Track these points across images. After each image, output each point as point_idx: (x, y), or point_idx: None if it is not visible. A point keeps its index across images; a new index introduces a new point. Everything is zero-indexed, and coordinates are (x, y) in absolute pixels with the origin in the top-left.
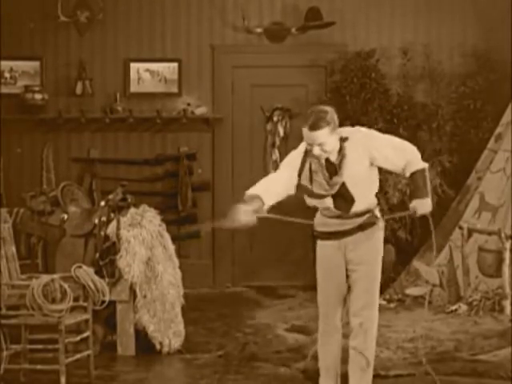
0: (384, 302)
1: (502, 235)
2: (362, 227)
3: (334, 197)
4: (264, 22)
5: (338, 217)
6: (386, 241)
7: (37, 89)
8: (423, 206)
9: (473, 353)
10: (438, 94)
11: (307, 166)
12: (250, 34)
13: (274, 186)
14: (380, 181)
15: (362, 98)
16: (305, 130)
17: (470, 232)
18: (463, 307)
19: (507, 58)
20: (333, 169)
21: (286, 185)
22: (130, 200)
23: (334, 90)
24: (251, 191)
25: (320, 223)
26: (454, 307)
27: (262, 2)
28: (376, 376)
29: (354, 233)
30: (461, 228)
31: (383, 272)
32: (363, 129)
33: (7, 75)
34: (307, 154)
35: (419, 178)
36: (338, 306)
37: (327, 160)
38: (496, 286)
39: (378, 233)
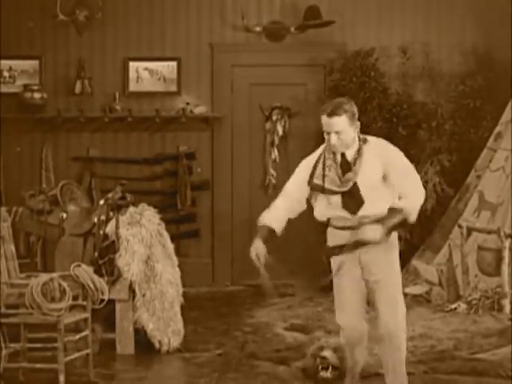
0: None
1: (502, 234)
2: None
3: (343, 195)
4: (263, 20)
5: (348, 228)
6: None
7: (36, 88)
8: (373, 230)
9: (472, 351)
10: (437, 92)
11: (320, 165)
12: (249, 32)
13: (282, 213)
14: None
15: (361, 97)
16: (323, 117)
17: (470, 231)
18: (462, 306)
19: (507, 57)
20: (347, 166)
21: (293, 206)
22: (129, 199)
23: (333, 89)
24: (262, 221)
25: (332, 238)
26: (453, 306)
27: (261, 1)
28: (374, 375)
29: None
30: (460, 227)
31: None
32: (390, 145)
33: (6, 74)
34: (324, 151)
35: (396, 214)
36: (360, 308)
37: (343, 157)
38: (495, 285)
39: (392, 240)
